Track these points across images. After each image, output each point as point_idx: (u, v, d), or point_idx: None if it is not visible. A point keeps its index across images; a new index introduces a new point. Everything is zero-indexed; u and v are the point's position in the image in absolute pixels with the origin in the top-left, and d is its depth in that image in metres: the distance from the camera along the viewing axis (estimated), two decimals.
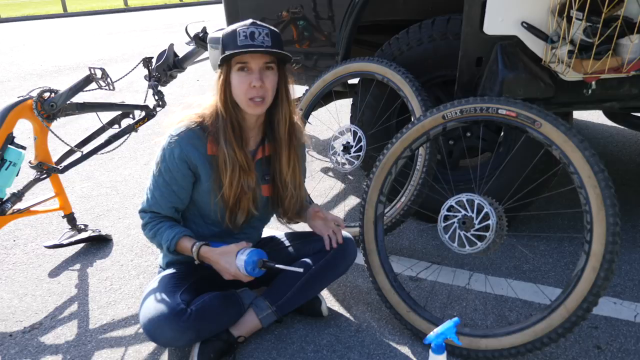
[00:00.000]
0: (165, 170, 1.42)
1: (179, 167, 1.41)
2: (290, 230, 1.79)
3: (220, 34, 1.39)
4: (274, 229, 2.02)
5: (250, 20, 1.36)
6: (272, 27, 1.37)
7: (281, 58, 1.39)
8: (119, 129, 2.11)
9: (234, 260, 1.37)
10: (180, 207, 1.48)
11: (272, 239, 1.69)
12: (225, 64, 1.37)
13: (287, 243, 1.66)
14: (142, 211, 1.48)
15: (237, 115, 1.41)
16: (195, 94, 1.47)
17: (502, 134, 2.09)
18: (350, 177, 2.81)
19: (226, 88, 1.38)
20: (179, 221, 1.51)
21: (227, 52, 1.32)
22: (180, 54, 2.15)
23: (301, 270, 1.43)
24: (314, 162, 3.05)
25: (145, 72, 2.17)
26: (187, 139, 1.40)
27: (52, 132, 1.93)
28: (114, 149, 2.08)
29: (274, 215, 1.67)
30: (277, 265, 1.39)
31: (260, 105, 1.38)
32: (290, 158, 1.50)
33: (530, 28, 1.52)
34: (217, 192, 1.43)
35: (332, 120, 3.40)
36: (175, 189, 1.43)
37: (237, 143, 1.40)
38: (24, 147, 1.84)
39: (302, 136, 1.58)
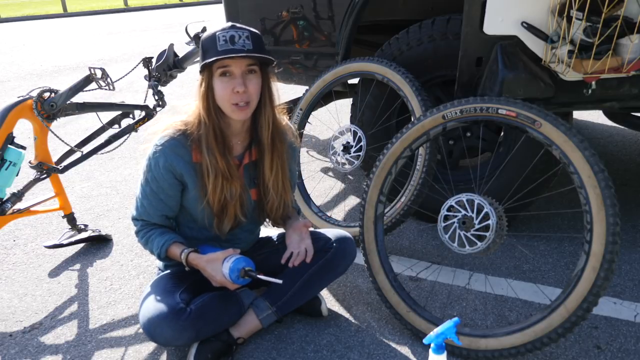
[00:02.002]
0: (151, 179, 1.41)
1: (164, 176, 1.40)
2: None
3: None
4: (274, 228, 2.02)
5: (229, 24, 1.34)
6: (252, 29, 1.35)
7: (263, 60, 1.37)
8: (119, 129, 2.11)
9: (220, 267, 1.37)
10: (171, 215, 1.48)
11: (269, 240, 1.69)
12: (206, 70, 1.34)
13: (285, 244, 1.65)
14: (134, 219, 1.48)
15: (221, 122, 1.39)
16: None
17: (502, 134, 2.09)
18: (350, 177, 2.81)
19: (209, 95, 1.35)
20: (171, 227, 1.50)
21: (208, 59, 1.29)
22: (180, 54, 2.15)
23: (281, 281, 1.40)
24: (314, 162, 3.05)
25: (145, 72, 2.17)
26: (171, 148, 1.38)
27: (52, 132, 1.93)
28: (114, 149, 2.08)
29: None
30: (258, 276, 1.37)
31: (244, 110, 1.36)
32: (273, 163, 1.47)
33: (530, 28, 1.52)
34: (203, 199, 1.42)
35: (332, 120, 3.40)
36: (163, 198, 1.42)
37: (219, 150, 1.38)
38: (24, 147, 1.84)
39: (290, 138, 1.54)
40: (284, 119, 1.54)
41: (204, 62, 1.30)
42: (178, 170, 1.40)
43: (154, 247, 1.43)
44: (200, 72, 1.36)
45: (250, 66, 1.34)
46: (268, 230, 1.76)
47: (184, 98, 1.47)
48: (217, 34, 1.31)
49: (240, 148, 1.48)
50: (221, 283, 1.38)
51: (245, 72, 1.33)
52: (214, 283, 1.40)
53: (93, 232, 2.17)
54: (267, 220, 1.62)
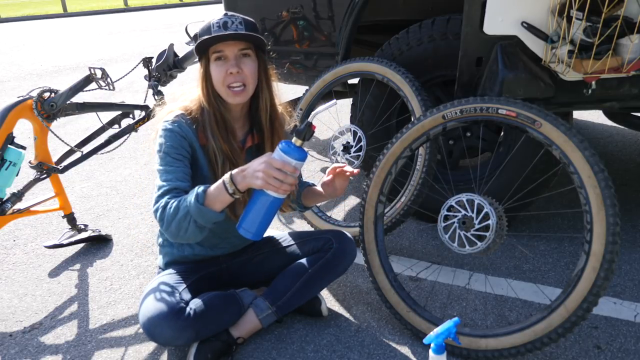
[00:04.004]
0: (168, 148, 1.36)
1: (181, 143, 1.37)
2: (289, 230, 1.79)
3: None
4: (274, 228, 2.02)
5: (224, 12, 1.37)
6: (247, 17, 1.37)
7: (258, 45, 1.39)
8: (119, 129, 2.12)
9: (269, 155, 1.23)
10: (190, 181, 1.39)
11: (271, 239, 1.69)
12: (204, 57, 1.37)
13: (286, 243, 1.66)
14: (160, 196, 1.31)
15: (221, 107, 1.40)
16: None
17: (502, 134, 2.09)
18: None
19: (207, 80, 1.38)
20: None
21: (200, 39, 1.31)
22: (180, 54, 2.15)
23: (334, 102, 1.30)
24: (314, 162, 3.05)
25: (145, 72, 2.17)
26: (183, 122, 1.39)
27: (52, 132, 1.93)
28: (114, 149, 2.08)
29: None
30: (308, 120, 1.19)
31: (240, 94, 1.37)
32: (274, 146, 1.48)
33: (530, 28, 1.52)
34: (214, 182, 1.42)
35: (332, 120, 3.40)
36: (185, 162, 1.38)
37: (222, 136, 1.39)
38: (24, 147, 1.84)
39: (286, 124, 1.56)
40: (279, 104, 1.54)
41: (197, 43, 1.32)
42: (191, 142, 1.39)
43: (190, 197, 1.26)
44: (199, 60, 1.39)
45: (243, 50, 1.36)
46: (268, 230, 1.76)
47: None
48: (211, 22, 1.34)
49: (241, 133, 1.49)
50: (268, 166, 1.19)
51: (239, 55, 1.36)
52: (261, 179, 1.19)
53: (93, 232, 2.17)
54: None
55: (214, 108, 1.39)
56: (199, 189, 1.26)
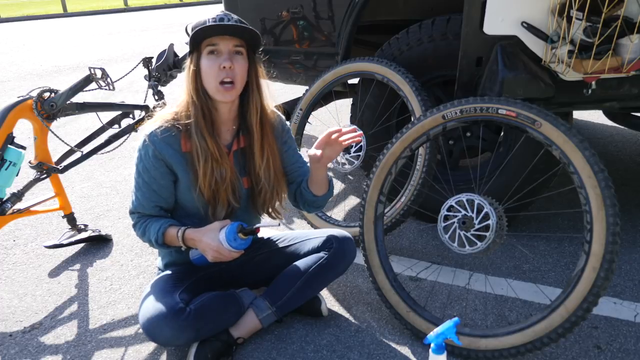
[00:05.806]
0: (143, 170, 1.41)
1: (155, 165, 1.39)
2: (289, 230, 1.79)
3: None
4: (274, 229, 2.02)
5: (221, 11, 1.39)
6: (242, 20, 1.38)
7: (251, 46, 1.40)
8: (119, 129, 2.11)
9: (217, 235, 1.37)
10: (165, 206, 1.46)
11: (271, 239, 1.69)
12: (195, 51, 1.37)
13: (286, 243, 1.65)
14: (131, 213, 1.48)
15: (209, 104, 1.40)
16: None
17: (502, 134, 2.09)
18: (350, 177, 2.81)
19: (197, 75, 1.37)
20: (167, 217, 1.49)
21: (196, 29, 1.31)
22: (180, 54, 2.15)
23: (277, 223, 1.45)
24: None
25: (145, 72, 2.17)
26: (160, 136, 1.38)
27: (52, 132, 1.93)
28: (114, 149, 2.08)
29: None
30: (255, 226, 1.39)
31: (230, 91, 1.36)
32: (264, 150, 1.47)
33: (530, 28, 1.52)
34: (196, 185, 1.42)
35: (332, 120, 3.40)
36: (155, 188, 1.42)
37: (207, 130, 1.38)
38: (24, 147, 1.84)
39: (277, 122, 1.55)
40: (270, 106, 1.52)
41: (192, 33, 1.31)
42: (168, 159, 1.39)
43: (151, 235, 1.41)
44: (190, 53, 1.38)
45: (237, 47, 1.36)
46: (269, 231, 1.76)
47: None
48: (207, 17, 1.35)
49: (228, 136, 1.48)
50: (217, 252, 1.36)
51: (232, 51, 1.36)
52: (210, 256, 1.37)
53: (93, 232, 2.17)
54: (263, 210, 1.58)
55: (202, 102, 1.38)
56: (159, 231, 1.40)
